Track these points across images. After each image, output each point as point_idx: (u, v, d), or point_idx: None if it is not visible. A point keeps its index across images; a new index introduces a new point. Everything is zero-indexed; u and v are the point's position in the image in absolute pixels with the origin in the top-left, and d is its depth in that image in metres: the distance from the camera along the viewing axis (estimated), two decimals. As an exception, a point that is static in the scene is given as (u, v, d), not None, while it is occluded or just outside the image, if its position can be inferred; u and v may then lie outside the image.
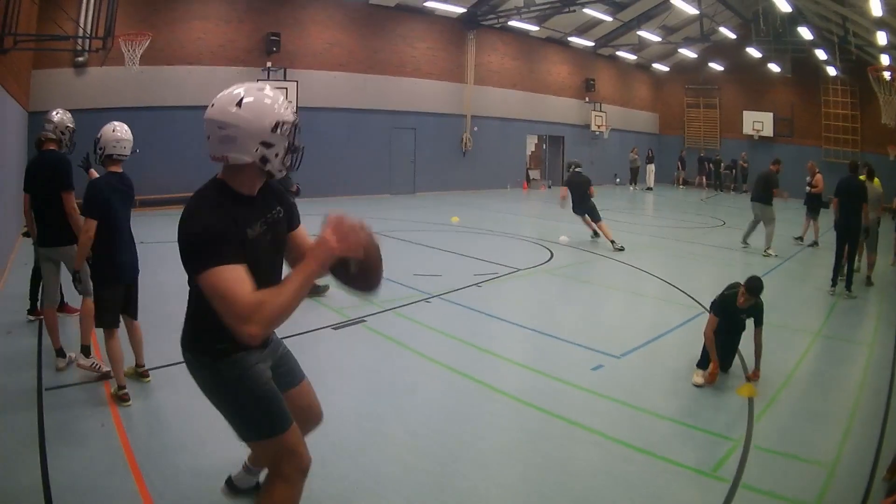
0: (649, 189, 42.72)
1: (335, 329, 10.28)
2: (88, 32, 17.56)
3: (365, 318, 10.81)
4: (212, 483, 5.44)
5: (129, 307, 7.72)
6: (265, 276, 3.77)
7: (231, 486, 5.24)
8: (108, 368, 7.84)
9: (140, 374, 7.77)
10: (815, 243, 20.03)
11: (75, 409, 6.92)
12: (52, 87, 22.47)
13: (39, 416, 6.70)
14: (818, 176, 20.41)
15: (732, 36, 37.62)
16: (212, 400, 4.17)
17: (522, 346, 10.06)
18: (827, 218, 19.07)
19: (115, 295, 7.37)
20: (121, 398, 7.06)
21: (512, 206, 30.87)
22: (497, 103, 38.05)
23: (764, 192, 18.54)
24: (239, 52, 27.70)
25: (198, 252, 3.54)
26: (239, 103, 3.69)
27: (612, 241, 18.00)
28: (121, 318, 7.58)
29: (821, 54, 35.69)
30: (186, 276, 3.72)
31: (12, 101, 15.83)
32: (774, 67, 40.72)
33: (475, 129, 36.57)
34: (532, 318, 11.48)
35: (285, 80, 28.24)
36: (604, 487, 5.72)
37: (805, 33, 31.58)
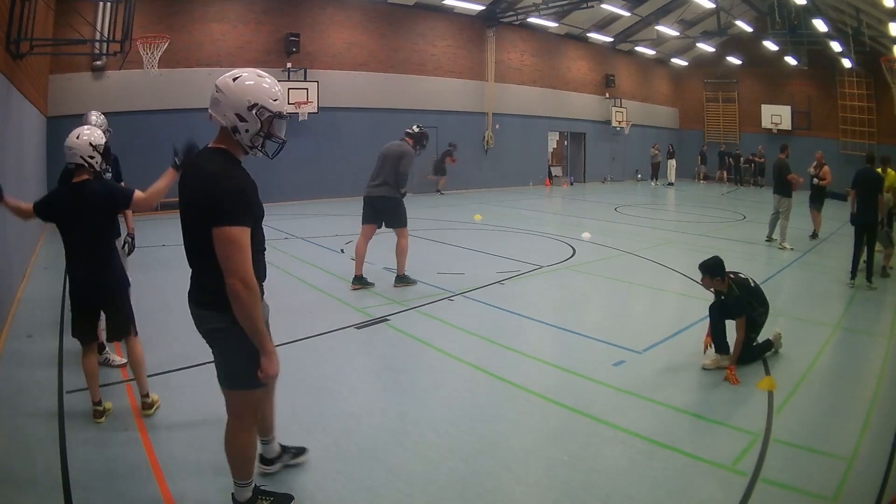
0: (670, 184, 42.50)
1: (358, 329, 10.31)
2: (106, 36, 17.63)
3: (388, 318, 10.83)
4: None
5: (109, 331, 7.26)
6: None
7: (264, 461, 5.73)
8: (123, 360, 8.30)
9: (143, 404, 7.03)
10: (815, 234, 19.94)
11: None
12: (70, 91, 22.63)
13: (60, 418, 6.81)
14: (825, 168, 20.13)
15: (749, 29, 37.57)
16: (221, 350, 4.73)
17: (545, 343, 10.05)
18: (839, 210, 19.10)
19: (77, 310, 6.92)
20: (95, 413, 6.80)
21: (534, 203, 30.82)
22: (518, 100, 38.02)
23: (780, 183, 18.54)
24: (258, 54, 27.81)
25: (233, 207, 4.21)
26: (236, 78, 4.46)
27: None
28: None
29: (836, 46, 35.55)
30: (193, 236, 4.46)
31: (30, 105, 15.93)
32: (791, 60, 40.63)
33: (497, 126, 36.55)
34: (554, 314, 11.50)
35: (306, 80, 28.39)
36: (627, 484, 5.73)
37: (820, 25, 31.41)
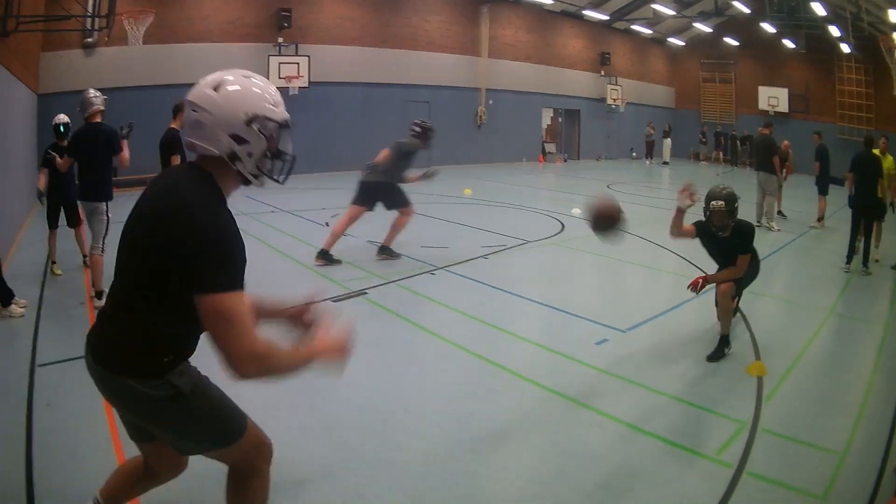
0: (665, 163, 42.43)
1: (335, 301, 10.10)
2: (92, 12, 17.42)
3: (366, 291, 10.67)
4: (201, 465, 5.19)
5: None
6: None
7: None
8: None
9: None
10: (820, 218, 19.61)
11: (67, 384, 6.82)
12: (62, 68, 22.50)
13: (29, 393, 6.68)
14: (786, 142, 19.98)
15: (746, 10, 37.19)
16: (161, 423, 3.50)
17: (526, 320, 9.91)
18: (836, 194, 18.92)
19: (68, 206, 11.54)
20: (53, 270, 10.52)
21: (526, 179, 30.78)
22: (512, 76, 37.98)
23: (765, 160, 18.28)
24: (249, 29, 27.77)
25: (219, 265, 3.01)
26: (217, 87, 3.22)
27: None
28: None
29: (834, 31, 35.40)
30: (134, 284, 3.21)
31: (19, 83, 15.85)
32: (789, 43, 40.57)
33: (490, 102, 36.45)
34: (538, 290, 11.30)
35: (297, 55, 28.38)
36: (602, 471, 5.50)
37: (818, 9, 31.24)
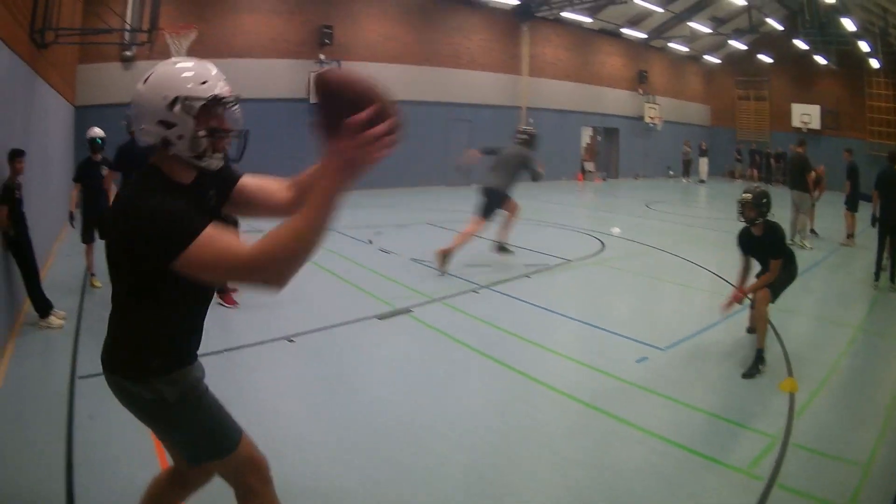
0: (702, 182, 42.33)
1: (381, 319, 10.31)
2: (134, 26, 17.65)
3: (411, 309, 10.83)
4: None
5: None
6: None
7: None
8: None
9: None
10: (850, 236, 19.50)
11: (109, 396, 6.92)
12: (99, 81, 22.76)
13: (70, 406, 6.85)
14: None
15: (779, 27, 37.32)
16: (154, 426, 3.70)
17: (568, 338, 10.01)
18: (865, 210, 19.02)
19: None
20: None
21: (566, 198, 30.87)
22: (552, 95, 38.05)
23: (800, 179, 18.31)
24: (291, 45, 28.01)
25: (166, 234, 2.90)
26: (147, 79, 3.20)
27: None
28: None
29: (864, 46, 35.41)
30: (121, 287, 3.32)
31: (56, 95, 16.03)
32: (820, 59, 40.46)
33: (531, 120, 36.20)
34: (580, 309, 11.47)
35: (339, 72, 28.18)
36: (640, 484, 5.69)
37: (848, 24, 31.33)
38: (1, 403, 6.83)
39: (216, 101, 3.24)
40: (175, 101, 3.11)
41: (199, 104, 3.16)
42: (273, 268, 2.87)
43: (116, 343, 3.47)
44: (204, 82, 3.20)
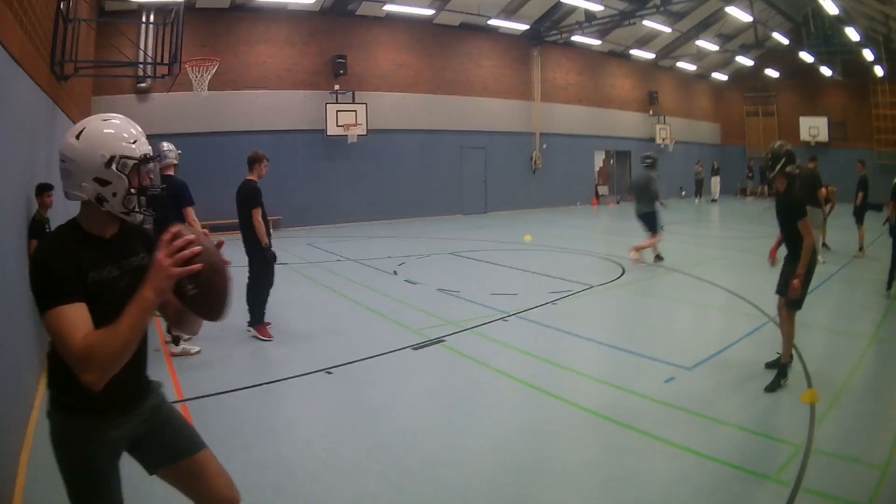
0: (714, 201, 42.56)
1: (415, 349, 10.52)
2: (151, 58, 17.78)
3: (444, 338, 11.04)
4: (297, 501, 5.85)
5: None
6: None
7: None
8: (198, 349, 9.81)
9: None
10: (861, 248, 19.77)
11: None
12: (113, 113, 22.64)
13: None
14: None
15: (785, 41, 37.55)
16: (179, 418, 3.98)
17: (598, 361, 10.21)
18: (875, 220, 19.27)
19: None
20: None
21: (583, 223, 31.05)
22: (564, 119, 38.35)
23: (811, 194, 18.41)
24: (305, 76, 28.30)
25: (38, 291, 3.14)
26: (79, 134, 3.38)
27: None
28: None
29: (868, 55, 35.74)
30: None
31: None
32: (826, 71, 40.74)
33: (544, 146, 36.82)
34: (606, 333, 11.67)
35: (354, 102, 28.70)
36: (679, 497, 5.92)
37: (852, 34, 31.69)
38: (41, 438, 6.87)
39: (144, 160, 3.50)
40: (111, 159, 3.35)
41: (132, 163, 3.42)
42: (95, 363, 2.99)
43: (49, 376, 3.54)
44: (134, 142, 3.47)
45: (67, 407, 3.45)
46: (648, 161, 19.05)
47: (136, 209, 3.52)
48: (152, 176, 3.79)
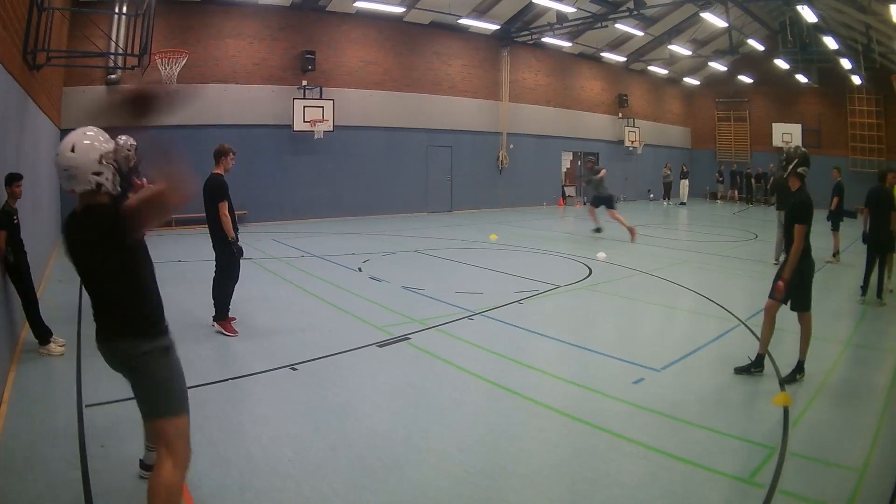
0: (682, 204, 42.68)
1: (380, 346, 10.44)
2: (122, 49, 17.61)
3: (409, 336, 10.97)
4: (262, 498, 5.73)
5: None
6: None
7: (144, 466, 5.89)
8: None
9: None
10: (835, 254, 19.71)
11: (119, 424, 6.97)
12: (83, 104, 22.71)
13: (80, 435, 6.91)
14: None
15: (760, 48, 37.87)
16: (145, 381, 4.83)
17: (565, 362, 10.15)
18: (850, 227, 19.34)
19: None
20: None
21: (549, 224, 31.07)
22: (532, 120, 38.34)
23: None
24: (274, 71, 28.15)
25: (132, 220, 4.54)
26: (73, 148, 4.67)
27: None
28: None
29: (846, 64, 35.95)
30: (101, 272, 4.71)
31: (45, 118, 16.09)
32: (802, 78, 40.99)
33: (511, 146, 36.79)
34: (574, 333, 11.63)
35: (321, 98, 28.62)
36: (649, 498, 5.86)
37: (830, 43, 31.78)
38: (11, 432, 6.91)
39: (113, 151, 4.91)
40: (101, 157, 4.74)
41: (110, 155, 4.82)
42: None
43: (114, 314, 4.82)
44: (107, 141, 4.85)
45: (166, 330, 4.93)
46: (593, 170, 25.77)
47: (122, 186, 4.98)
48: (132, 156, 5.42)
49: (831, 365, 9.89)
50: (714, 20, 31.99)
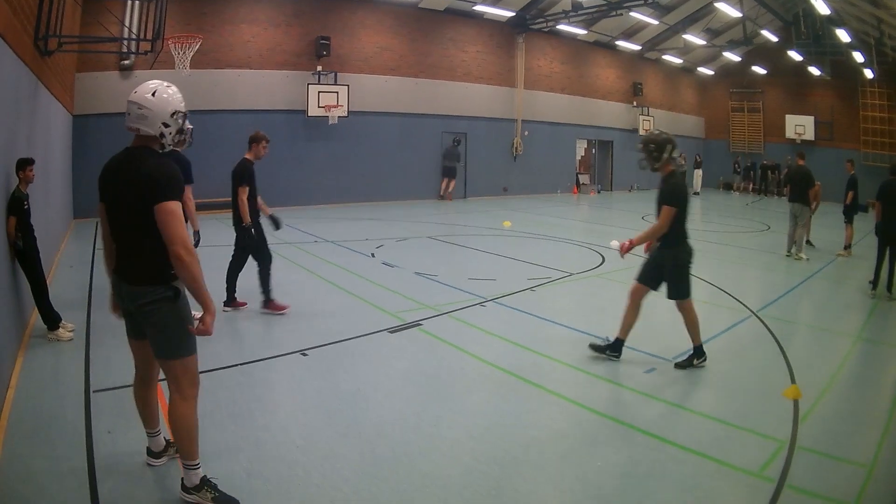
0: (696, 194, 42.33)
1: (391, 332, 10.43)
2: (135, 35, 17.62)
3: (421, 322, 10.96)
4: (270, 486, 5.72)
5: None
6: None
7: (150, 453, 5.99)
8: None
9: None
10: (847, 246, 19.68)
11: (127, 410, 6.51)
12: (96, 90, 22.76)
13: (87, 420, 6.92)
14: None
15: (774, 39, 37.80)
16: (159, 327, 5.21)
17: (577, 350, 9.97)
18: (860, 221, 19.26)
19: None
20: None
21: (563, 211, 30.91)
22: (547, 107, 38.12)
23: (802, 192, 18.32)
24: (288, 56, 27.98)
25: (168, 186, 4.94)
26: (154, 93, 5.13)
27: None
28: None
29: (858, 57, 35.73)
30: (130, 219, 5.05)
31: (57, 103, 16.10)
32: (815, 70, 40.72)
33: (526, 133, 36.66)
34: (586, 321, 11.58)
35: (336, 83, 28.49)
36: (659, 489, 5.85)
37: (843, 35, 31.55)
38: (17, 416, 6.92)
39: (186, 115, 5.38)
40: (175, 113, 5.20)
41: (181, 115, 5.29)
42: (190, 250, 4.92)
43: (135, 260, 5.18)
44: (182, 102, 5.32)
45: (175, 277, 5.13)
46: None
47: (183, 143, 6.32)
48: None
49: (841, 359, 9.83)
50: (728, 10, 31.85)
